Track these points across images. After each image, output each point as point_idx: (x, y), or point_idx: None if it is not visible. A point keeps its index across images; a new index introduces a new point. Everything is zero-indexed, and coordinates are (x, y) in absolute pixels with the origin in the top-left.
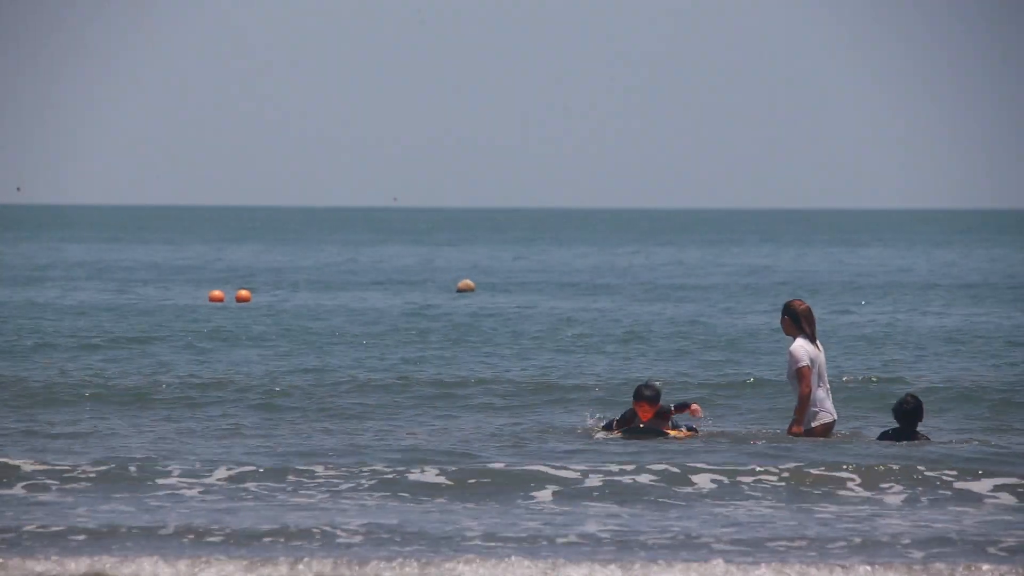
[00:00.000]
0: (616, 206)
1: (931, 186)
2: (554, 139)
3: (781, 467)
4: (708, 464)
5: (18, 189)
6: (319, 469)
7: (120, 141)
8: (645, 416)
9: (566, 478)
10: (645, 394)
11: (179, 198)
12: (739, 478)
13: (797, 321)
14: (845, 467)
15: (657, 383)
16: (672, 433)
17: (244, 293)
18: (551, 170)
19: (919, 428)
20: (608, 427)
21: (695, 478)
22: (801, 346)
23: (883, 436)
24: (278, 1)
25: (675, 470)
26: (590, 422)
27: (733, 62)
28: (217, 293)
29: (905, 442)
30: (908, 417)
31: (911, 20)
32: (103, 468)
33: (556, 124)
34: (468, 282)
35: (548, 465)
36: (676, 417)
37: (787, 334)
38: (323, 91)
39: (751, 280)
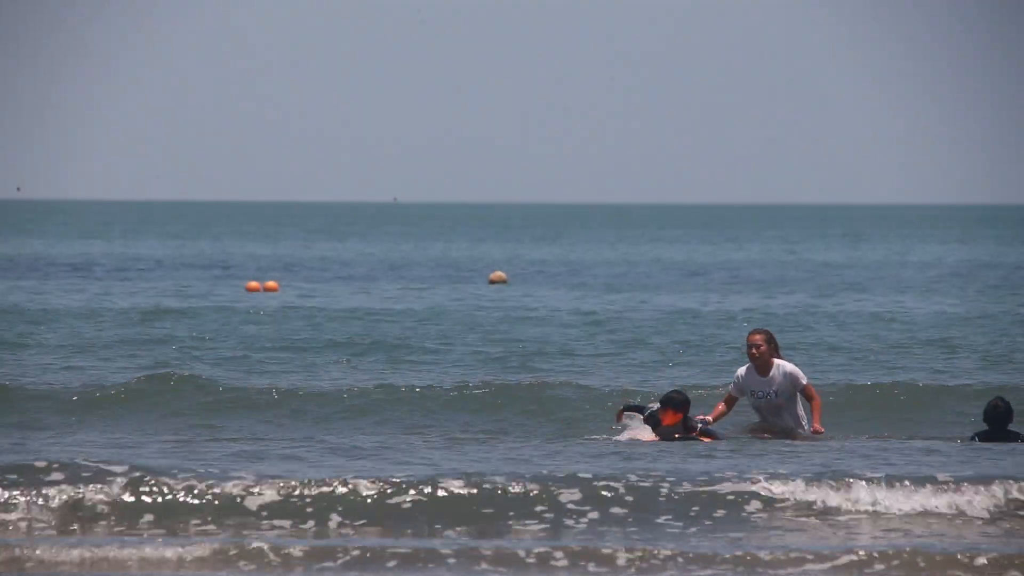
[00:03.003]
0: (615, 203)
1: (931, 182)
2: (554, 139)
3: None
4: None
5: (18, 189)
6: None
7: (120, 142)
8: (668, 422)
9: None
10: (675, 399)
11: (178, 197)
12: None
13: (776, 348)
14: None
15: (684, 393)
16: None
17: (272, 284)
18: (551, 170)
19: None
20: (637, 409)
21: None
22: (798, 366)
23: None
24: (278, 1)
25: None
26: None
27: (733, 62)
28: (254, 284)
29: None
30: (999, 420)
31: (911, 20)
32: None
33: (556, 124)
34: (500, 273)
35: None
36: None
37: (768, 358)
38: (323, 91)
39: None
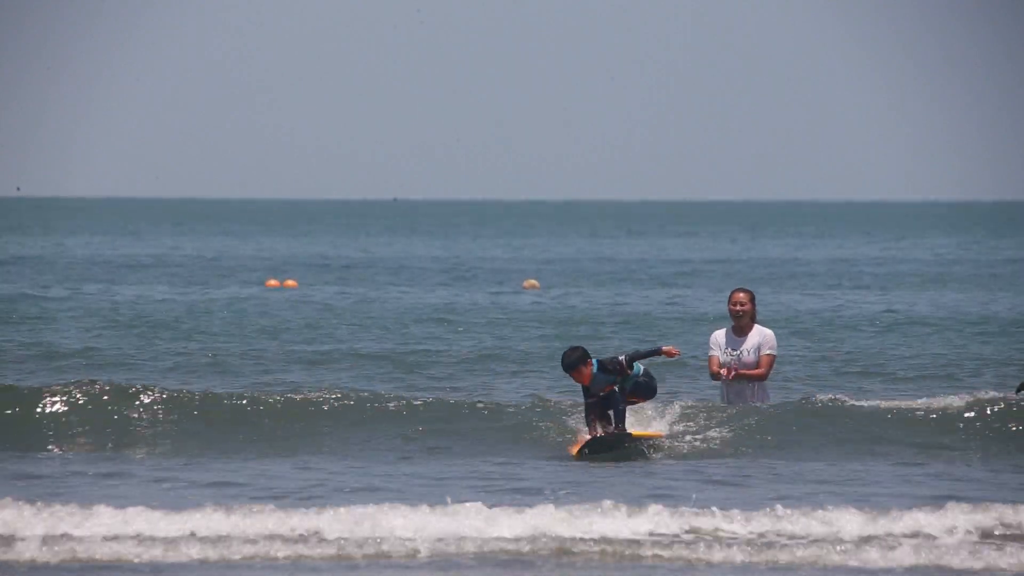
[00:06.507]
0: (615, 200)
1: (938, 178)
2: (554, 139)
3: None
4: None
5: (18, 189)
6: None
7: (120, 140)
8: (583, 381)
9: None
10: (569, 359)
11: (177, 195)
12: None
13: (755, 311)
14: None
15: (578, 347)
16: (637, 434)
17: (291, 283)
18: (551, 169)
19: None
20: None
21: None
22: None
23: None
24: (278, 1)
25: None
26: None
27: (734, 60)
28: (273, 282)
29: None
30: None
31: (917, 15)
32: None
33: (556, 124)
34: (533, 281)
35: None
36: (639, 365)
37: (749, 319)
38: (323, 90)
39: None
